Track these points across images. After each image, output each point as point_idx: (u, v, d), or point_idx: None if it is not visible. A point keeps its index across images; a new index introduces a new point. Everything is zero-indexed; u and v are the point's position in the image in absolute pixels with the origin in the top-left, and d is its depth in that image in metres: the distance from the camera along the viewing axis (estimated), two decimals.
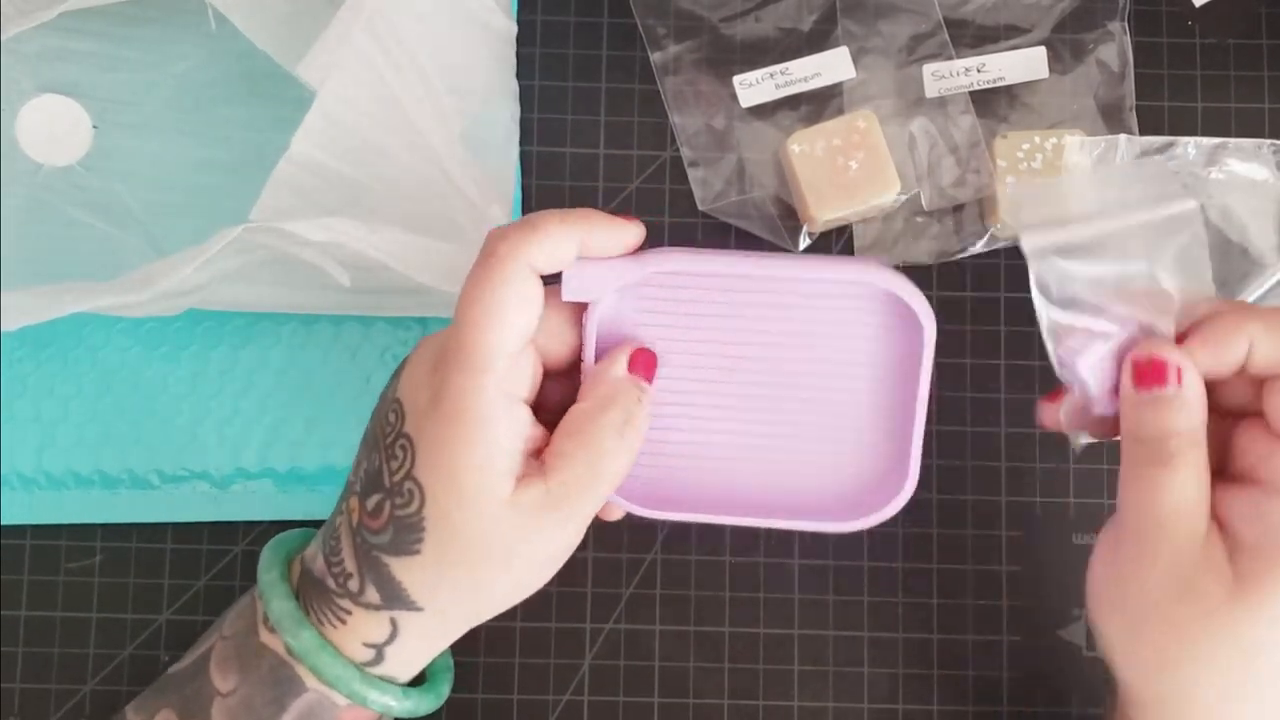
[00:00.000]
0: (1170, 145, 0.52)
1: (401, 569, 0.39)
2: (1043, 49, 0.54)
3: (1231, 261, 0.52)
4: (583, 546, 0.52)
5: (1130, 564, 0.38)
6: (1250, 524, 0.37)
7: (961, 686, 0.52)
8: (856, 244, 0.53)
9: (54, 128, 0.52)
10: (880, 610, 0.52)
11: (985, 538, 0.52)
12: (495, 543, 0.39)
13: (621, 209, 0.54)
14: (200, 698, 0.42)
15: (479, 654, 0.52)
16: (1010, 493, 0.52)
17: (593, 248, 0.40)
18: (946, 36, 0.53)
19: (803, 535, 0.52)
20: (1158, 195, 0.40)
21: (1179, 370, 0.37)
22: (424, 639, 0.41)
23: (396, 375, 0.41)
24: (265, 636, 0.41)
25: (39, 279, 0.51)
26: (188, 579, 0.52)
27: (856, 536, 0.52)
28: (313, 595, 0.41)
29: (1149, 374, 0.38)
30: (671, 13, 0.54)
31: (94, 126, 0.53)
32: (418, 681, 0.44)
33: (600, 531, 0.52)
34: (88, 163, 0.53)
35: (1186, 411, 0.37)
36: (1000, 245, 0.53)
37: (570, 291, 0.40)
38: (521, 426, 0.39)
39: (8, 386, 0.51)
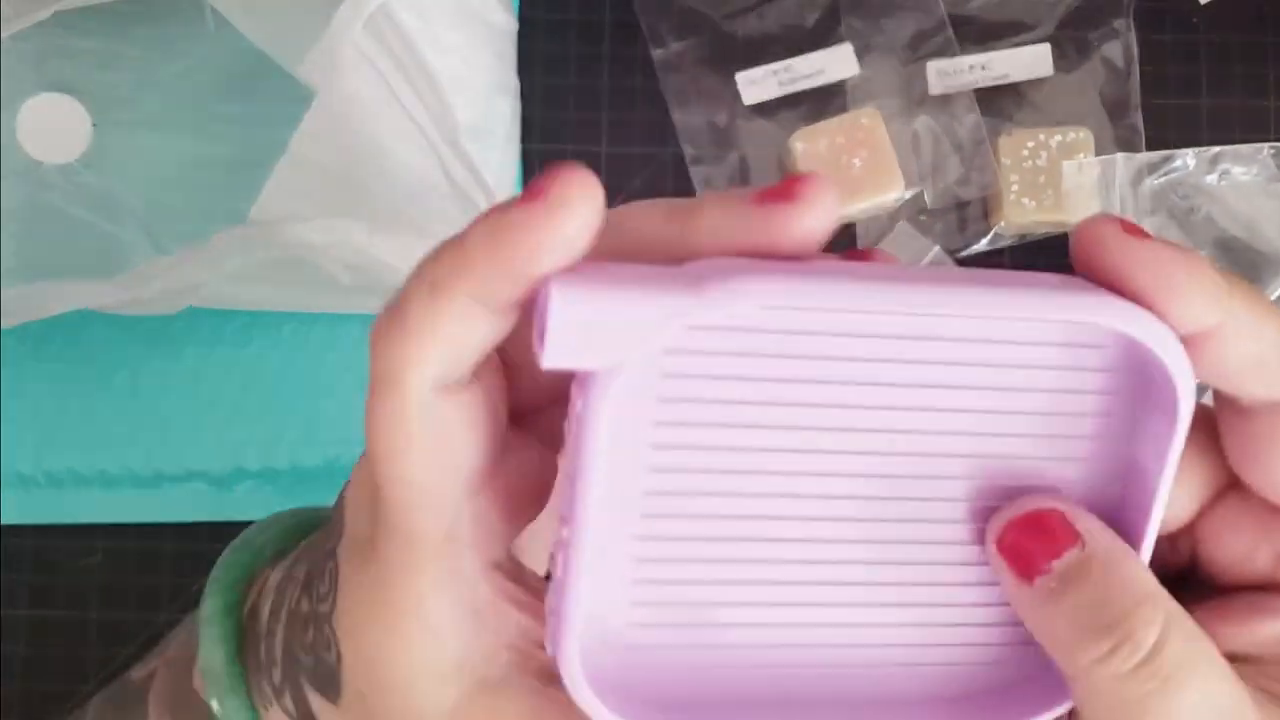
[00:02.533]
0: (1168, 159, 0.52)
1: (325, 710, 0.28)
2: (1047, 46, 0.53)
3: (1242, 262, 0.52)
4: None
5: None
6: None
7: None
8: (859, 243, 0.53)
9: (53, 125, 0.52)
10: None
11: None
12: None
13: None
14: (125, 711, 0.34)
15: None
16: None
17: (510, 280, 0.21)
18: (951, 34, 0.53)
19: None
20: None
21: (1072, 534, 0.24)
22: None
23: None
24: (197, 681, 0.32)
25: (38, 276, 0.51)
26: (187, 578, 0.52)
27: None
28: (250, 648, 0.31)
29: (1044, 542, 0.25)
30: (674, 10, 0.54)
31: (93, 124, 0.53)
32: None
33: None
34: (87, 160, 0.52)
35: (1111, 583, 0.24)
36: (1004, 244, 0.53)
37: (555, 354, 0.20)
38: (472, 611, 0.24)
39: (7, 385, 0.51)
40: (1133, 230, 0.24)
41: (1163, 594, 0.23)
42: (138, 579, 0.52)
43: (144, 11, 0.52)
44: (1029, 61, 0.53)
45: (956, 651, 0.25)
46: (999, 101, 0.53)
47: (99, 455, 0.51)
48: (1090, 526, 0.24)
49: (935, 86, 0.53)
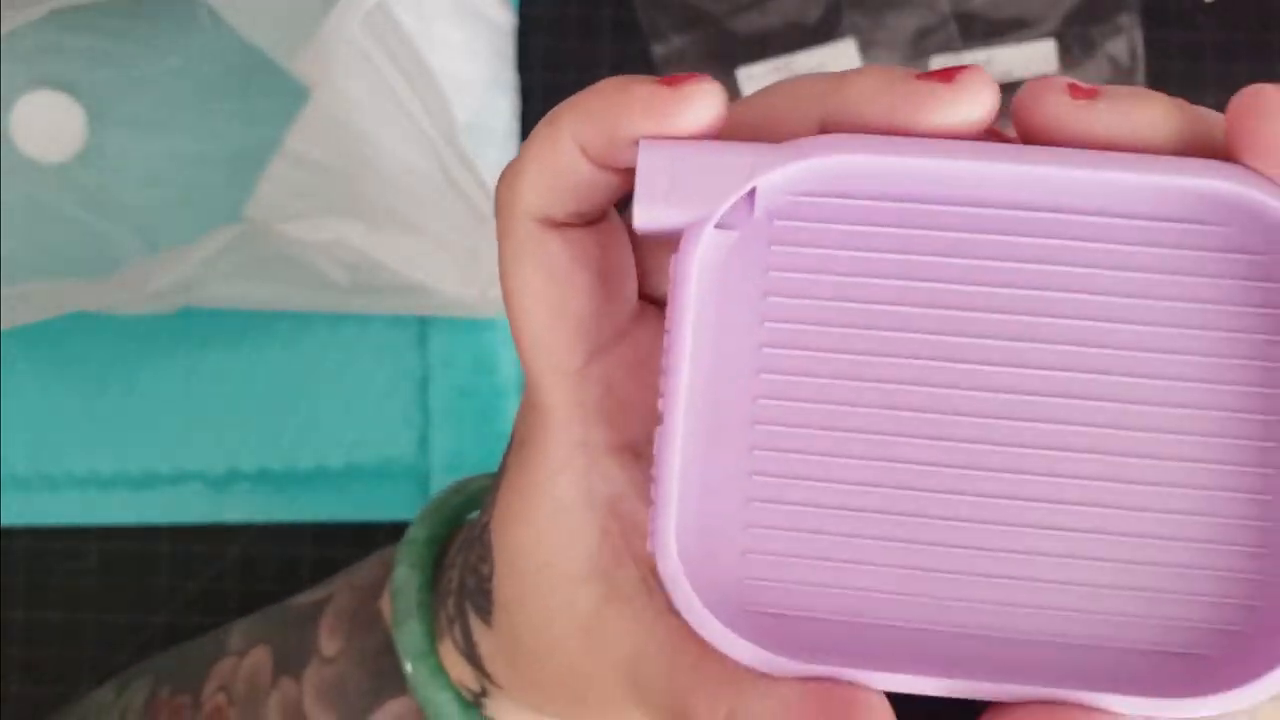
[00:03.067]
0: None
1: (479, 630, 0.29)
2: (1052, 43, 0.53)
3: None
4: None
5: None
6: None
7: None
8: None
9: (48, 123, 0.52)
10: None
11: None
12: (559, 670, 0.26)
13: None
14: (299, 650, 0.34)
15: None
16: None
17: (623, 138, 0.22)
18: (954, 30, 0.53)
19: None
20: None
21: None
22: (513, 715, 0.31)
23: None
24: (384, 603, 0.32)
25: (33, 275, 0.51)
26: (184, 580, 0.52)
27: None
28: (444, 582, 0.31)
29: None
30: (675, 5, 0.54)
31: (88, 122, 0.53)
32: None
33: None
34: (82, 158, 0.52)
35: None
36: None
37: (646, 209, 0.21)
38: (603, 510, 0.24)
39: (2, 387, 0.51)
40: (1081, 93, 0.22)
41: None
42: (133, 581, 0.52)
43: (139, 9, 0.52)
44: (1033, 58, 0.53)
45: (1143, 582, 0.21)
46: (1003, 98, 0.53)
47: (94, 456, 0.51)
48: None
49: None
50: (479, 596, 0.28)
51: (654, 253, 0.24)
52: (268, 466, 0.51)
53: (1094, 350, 0.21)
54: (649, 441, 0.23)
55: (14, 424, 0.51)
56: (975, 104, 0.21)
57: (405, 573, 0.31)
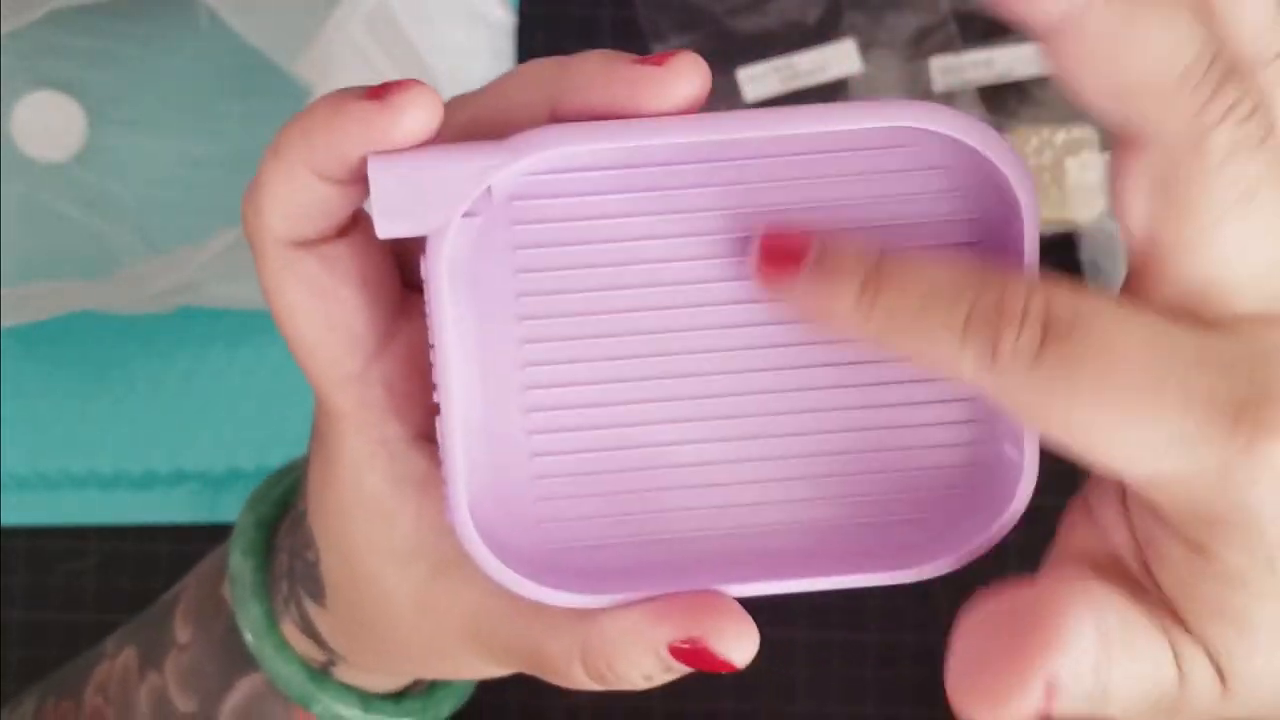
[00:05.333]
0: None
1: (315, 614, 0.31)
2: None
3: None
4: None
5: None
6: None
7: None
8: None
9: (48, 124, 0.53)
10: (885, 612, 0.52)
11: None
12: (388, 627, 0.28)
13: None
14: (159, 644, 0.35)
15: None
16: None
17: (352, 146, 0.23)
18: (954, 30, 0.53)
19: None
20: None
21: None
22: (363, 677, 0.33)
23: None
24: (225, 589, 0.33)
25: (32, 275, 0.51)
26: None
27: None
28: (278, 565, 0.32)
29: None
30: (674, 5, 0.54)
31: (88, 122, 0.53)
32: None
33: None
34: (82, 159, 0.53)
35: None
36: None
37: (386, 223, 0.22)
38: (396, 475, 0.26)
39: (2, 386, 0.51)
40: None
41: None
42: (133, 581, 0.52)
43: (139, 9, 0.52)
44: (1033, 58, 0.53)
45: (861, 476, 0.25)
46: (1002, 99, 0.53)
47: (93, 456, 0.51)
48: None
49: (938, 83, 0.53)
50: (309, 582, 0.30)
51: (408, 242, 0.24)
52: (267, 466, 0.51)
53: None
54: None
55: (14, 424, 0.51)
56: (686, 85, 0.22)
57: (239, 559, 0.32)
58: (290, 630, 0.32)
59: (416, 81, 0.22)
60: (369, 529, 0.27)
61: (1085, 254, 0.51)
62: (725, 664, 0.26)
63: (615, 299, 0.24)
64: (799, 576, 0.25)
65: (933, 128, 0.23)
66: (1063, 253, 0.53)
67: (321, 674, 0.32)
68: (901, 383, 0.24)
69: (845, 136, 0.23)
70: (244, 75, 0.52)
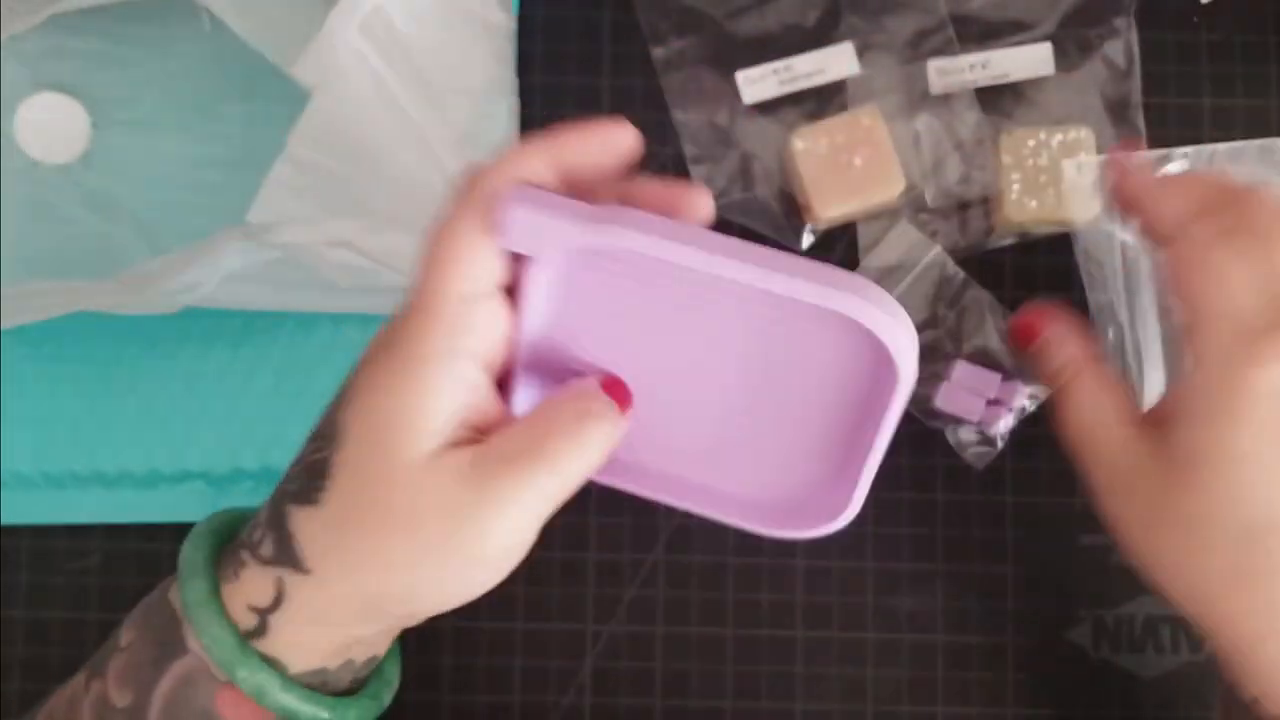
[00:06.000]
0: (1165, 157, 0.52)
1: (299, 519, 0.35)
2: (1048, 45, 0.53)
3: None
4: (584, 548, 0.52)
5: (1094, 495, 0.41)
6: (1170, 403, 0.39)
7: (966, 689, 0.51)
8: (860, 241, 0.53)
9: (52, 125, 0.53)
10: (884, 612, 0.52)
11: (991, 539, 0.52)
12: (399, 503, 0.34)
13: None
14: (104, 652, 0.38)
15: (480, 655, 0.51)
16: (1016, 493, 0.52)
17: (578, 165, 0.35)
18: (952, 32, 0.53)
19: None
20: (911, 249, 0.51)
21: (1039, 323, 0.43)
22: (312, 617, 0.36)
23: None
24: (172, 591, 0.37)
25: (36, 276, 0.51)
26: None
27: (861, 536, 0.52)
28: (228, 550, 0.38)
29: (1022, 335, 0.44)
30: (673, 8, 0.54)
31: (91, 124, 0.53)
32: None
33: (602, 533, 0.52)
34: (85, 160, 0.53)
35: (1055, 351, 0.42)
36: (1005, 242, 0.53)
37: (509, 236, 0.34)
38: (466, 388, 0.35)
39: (5, 386, 0.51)
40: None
41: (1083, 358, 0.42)
42: (136, 580, 0.52)
43: (142, 12, 0.52)
44: (1030, 60, 0.53)
45: (762, 473, 0.41)
46: (1000, 100, 0.53)
47: (97, 455, 0.51)
48: (1050, 323, 0.43)
49: (936, 85, 0.53)
50: (311, 481, 0.35)
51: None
52: (270, 465, 0.51)
53: (755, 368, 0.38)
54: (494, 365, 0.36)
55: (17, 423, 0.51)
56: (627, 132, 0.36)
57: (189, 552, 0.37)
58: (231, 595, 0.36)
59: (619, 121, 0.36)
60: (411, 402, 0.34)
61: (1080, 255, 0.51)
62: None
63: (634, 327, 0.37)
64: (701, 506, 0.41)
65: (854, 317, 0.34)
66: (1060, 253, 0.53)
67: (248, 643, 0.36)
68: (802, 430, 0.39)
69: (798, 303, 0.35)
70: (246, 77, 0.52)
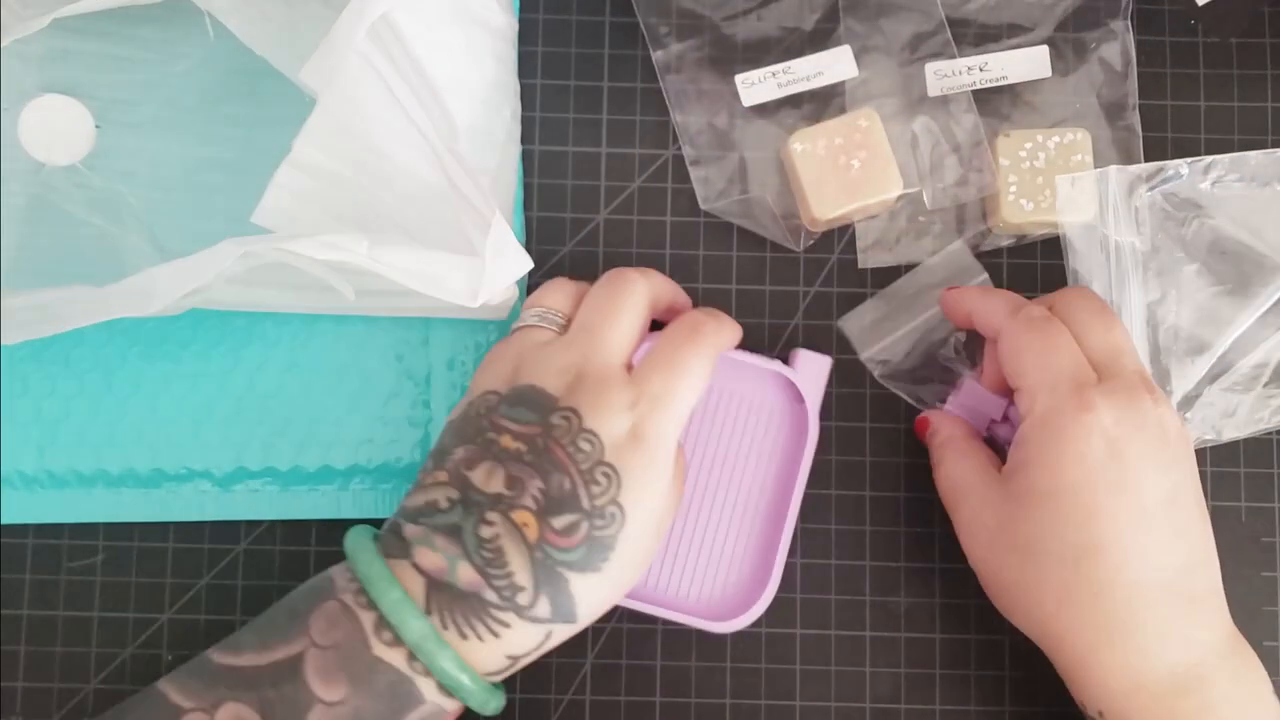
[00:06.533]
0: (1160, 170, 0.52)
1: (581, 585, 0.42)
2: (1045, 48, 0.53)
3: (1248, 265, 0.52)
4: None
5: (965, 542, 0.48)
6: (1013, 458, 0.46)
7: (964, 686, 0.52)
8: (859, 243, 0.53)
9: (56, 127, 0.52)
10: (883, 609, 0.52)
11: None
12: (651, 555, 0.44)
13: (623, 208, 0.54)
14: (294, 703, 0.40)
15: None
16: None
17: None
18: (949, 35, 0.53)
19: (804, 531, 0.52)
20: (960, 273, 0.53)
21: (927, 421, 0.51)
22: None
23: (526, 383, 0.44)
24: (381, 650, 0.41)
25: (40, 278, 0.51)
26: (189, 578, 0.52)
27: (859, 534, 0.52)
28: (454, 609, 0.41)
29: (919, 430, 0.52)
30: (673, 11, 0.54)
31: (96, 126, 0.53)
32: None
33: None
34: (90, 162, 0.52)
35: (935, 431, 0.51)
36: (1003, 244, 0.53)
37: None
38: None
39: (9, 385, 0.51)
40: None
41: (958, 436, 0.50)
42: (140, 578, 0.52)
43: (147, 14, 0.52)
44: (1027, 63, 0.53)
45: (706, 567, 0.51)
46: (997, 103, 0.54)
47: (101, 455, 0.51)
48: (936, 418, 0.51)
49: (933, 88, 0.53)
50: (595, 554, 0.42)
51: None
52: (274, 465, 0.51)
53: (713, 458, 0.51)
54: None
55: (21, 422, 0.51)
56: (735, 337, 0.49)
57: (414, 623, 0.41)
58: (478, 651, 0.41)
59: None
60: (668, 485, 0.44)
61: (1069, 254, 0.51)
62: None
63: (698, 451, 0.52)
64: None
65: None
66: (1056, 255, 0.53)
67: (489, 683, 0.42)
68: (735, 543, 0.51)
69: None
70: (250, 80, 0.52)
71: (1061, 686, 0.47)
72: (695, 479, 0.51)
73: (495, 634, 0.41)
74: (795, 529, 0.50)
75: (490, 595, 0.41)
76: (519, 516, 0.41)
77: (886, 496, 0.52)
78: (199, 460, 0.51)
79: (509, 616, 0.41)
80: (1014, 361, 0.46)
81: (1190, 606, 0.43)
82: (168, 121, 0.52)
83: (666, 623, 0.51)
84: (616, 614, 0.52)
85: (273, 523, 0.52)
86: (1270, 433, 0.53)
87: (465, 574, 0.41)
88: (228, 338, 0.52)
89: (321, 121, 0.44)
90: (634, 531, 0.42)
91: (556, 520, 0.41)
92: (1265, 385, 0.52)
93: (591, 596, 0.42)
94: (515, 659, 0.42)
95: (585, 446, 0.42)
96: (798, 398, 0.51)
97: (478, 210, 0.46)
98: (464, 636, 0.41)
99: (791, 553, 0.52)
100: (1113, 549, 0.43)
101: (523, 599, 0.41)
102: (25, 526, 0.52)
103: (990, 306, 0.48)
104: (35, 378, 0.51)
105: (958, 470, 0.48)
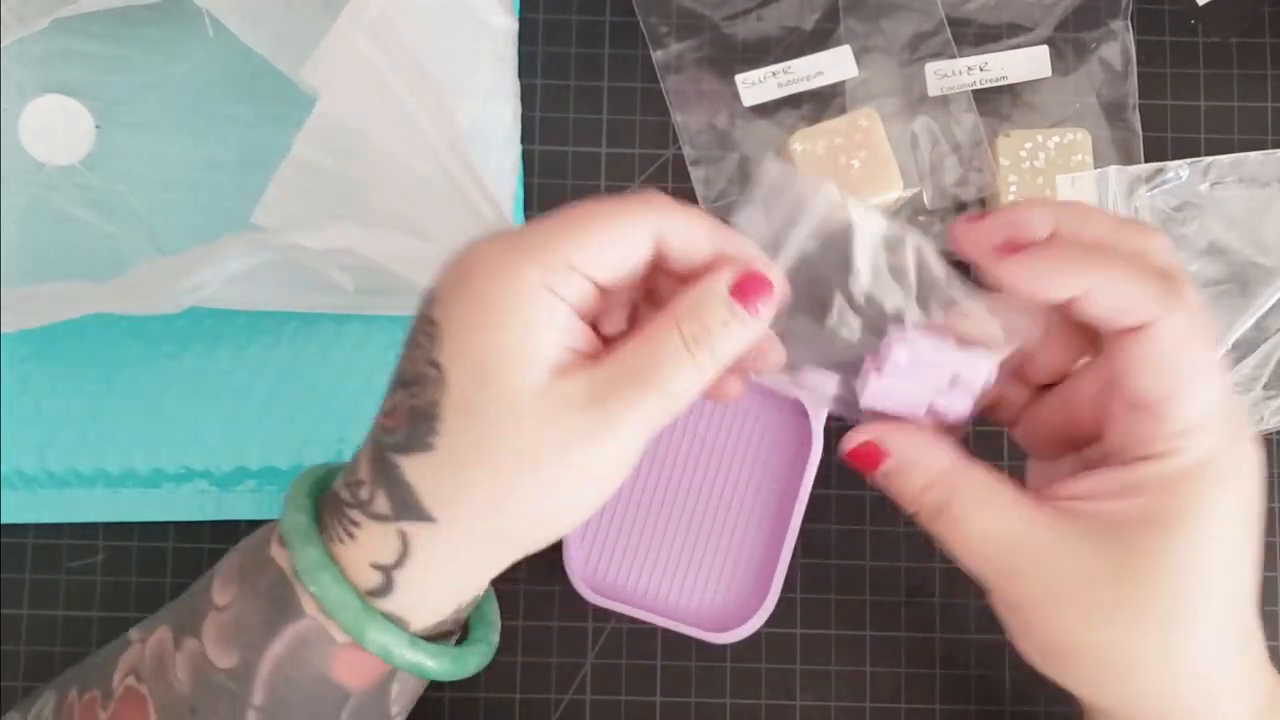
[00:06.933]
0: (1160, 171, 0.52)
1: (413, 468, 0.35)
2: (1045, 48, 0.53)
3: (1248, 266, 0.52)
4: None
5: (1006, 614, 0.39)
6: (1121, 499, 0.36)
7: (964, 686, 0.52)
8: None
9: (57, 127, 0.52)
10: (883, 609, 0.52)
11: None
12: (519, 437, 0.33)
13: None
14: (195, 612, 0.38)
15: None
16: None
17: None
18: (949, 35, 0.53)
19: (804, 531, 0.52)
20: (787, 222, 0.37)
21: (877, 446, 0.38)
22: (440, 565, 0.36)
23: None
24: (274, 550, 0.37)
25: (41, 277, 0.51)
26: (189, 578, 0.52)
27: (859, 534, 0.52)
28: (327, 510, 0.37)
29: (862, 464, 0.39)
30: (674, 11, 0.54)
31: (96, 126, 0.53)
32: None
33: None
34: (90, 162, 0.52)
35: (911, 471, 0.38)
36: None
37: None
38: (564, 317, 0.34)
39: (10, 385, 0.51)
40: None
41: (952, 467, 0.37)
42: (140, 578, 0.52)
43: (147, 14, 0.52)
44: (1027, 63, 0.53)
45: (707, 578, 0.51)
46: (997, 103, 0.54)
47: (101, 454, 0.51)
48: (894, 441, 0.38)
49: (933, 88, 0.53)
50: (418, 427, 0.34)
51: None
52: (274, 464, 0.51)
53: (714, 472, 0.51)
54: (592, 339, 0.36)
55: (21, 422, 0.51)
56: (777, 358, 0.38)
57: (292, 516, 0.37)
58: (347, 555, 0.36)
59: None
60: (514, 334, 0.33)
61: None
62: (763, 284, 0.35)
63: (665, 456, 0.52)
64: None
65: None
66: None
67: (371, 603, 0.36)
68: (735, 550, 0.51)
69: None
70: (250, 79, 0.52)
71: (1060, 686, 0.47)
72: (696, 489, 0.51)
73: (350, 534, 0.36)
74: (796, 534, 0.50)
75: (344, 493, 0.36)
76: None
77: (885, 497, 0.52)
78: (199, 460, 0.51)
79: (356, 514, 0.36)
80: (1182, 380, 0.34)
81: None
82: (168, 121, 0.52)
83: (666, 627, 0.51)
84: (617, 613, 0.52)
85: (273, 522, 0.52)
86: (1270, 433, 0.53)
87: (338, 478, 0.38)
88: (228, 337, 0.52)
89: (322, 121, 0.44)
90: (463, 395, 0.34)
91: (388, 402, 0.36)
92: (1265, 386, 0.52)
93: (432, 483, 0.35)
94: (384, 570, 0.36)
95: (420, 307, 0.36)
96: (801, 411, 0.51)
97: (476, 206, 0.46)
98: (332, 539, 0.36)
99: (791, 553, 0.52)
100: (1250, 595, 0.36)
101: (364, 493, 0.36)
102: (25, 526, 0.52)
103: (1124, 276, 0.34)
104: (35, 377, 0.51)
105: (998, 524, 0.36)
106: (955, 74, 0.53)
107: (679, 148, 0.54)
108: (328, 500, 0.37)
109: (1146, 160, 0.53)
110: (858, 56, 0.53)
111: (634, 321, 0.38)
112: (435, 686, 0.51)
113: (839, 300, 0.36)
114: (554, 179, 0.54)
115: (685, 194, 0.54)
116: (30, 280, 0.51)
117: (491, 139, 0.51)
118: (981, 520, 0.37)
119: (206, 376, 0.51)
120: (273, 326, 0.52)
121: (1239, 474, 0.35)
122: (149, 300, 0.44)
